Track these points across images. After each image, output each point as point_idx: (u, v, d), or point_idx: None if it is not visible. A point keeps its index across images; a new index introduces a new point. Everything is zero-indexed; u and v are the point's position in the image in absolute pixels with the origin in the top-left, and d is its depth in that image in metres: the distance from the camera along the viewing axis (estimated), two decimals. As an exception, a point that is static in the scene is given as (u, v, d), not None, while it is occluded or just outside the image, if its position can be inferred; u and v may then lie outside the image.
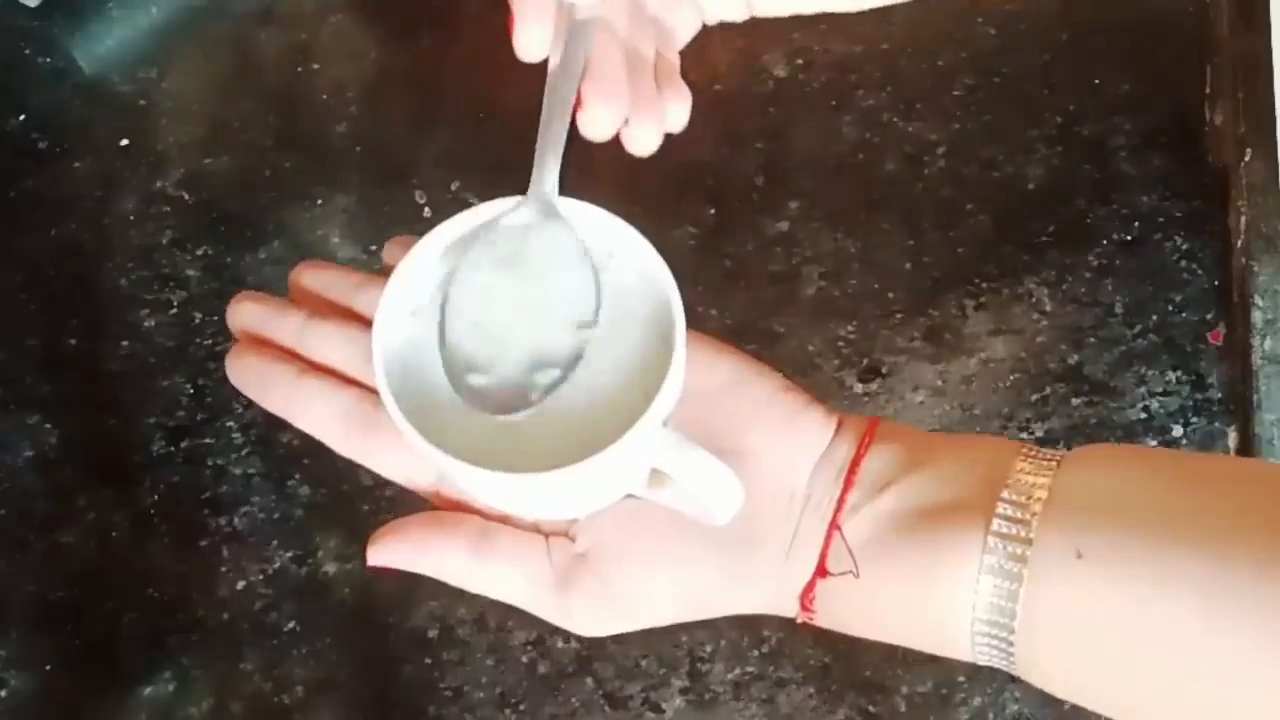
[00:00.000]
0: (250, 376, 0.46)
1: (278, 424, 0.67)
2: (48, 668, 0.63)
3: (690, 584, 0.43)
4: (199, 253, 0.70)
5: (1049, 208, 0.68)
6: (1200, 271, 0.66)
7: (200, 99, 0.74)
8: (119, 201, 0.72)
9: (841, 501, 0.42)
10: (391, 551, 0.44)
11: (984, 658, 0.40)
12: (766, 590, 0.43)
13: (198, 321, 0.69)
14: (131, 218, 0.71)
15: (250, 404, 0.67)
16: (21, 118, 0.74)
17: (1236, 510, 0.37)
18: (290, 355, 0.46)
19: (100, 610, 0.64)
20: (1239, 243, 0.66)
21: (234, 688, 0.62)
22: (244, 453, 0.66)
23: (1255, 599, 0.35)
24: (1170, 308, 0.65)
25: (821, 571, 0.42)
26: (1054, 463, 0.40)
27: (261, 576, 0.64)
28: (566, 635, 0.62)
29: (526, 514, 0.44)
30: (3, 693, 0.63)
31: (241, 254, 0.70)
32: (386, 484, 0.64)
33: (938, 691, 0.60)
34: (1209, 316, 0.65)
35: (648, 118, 0.44)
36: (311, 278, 0.48)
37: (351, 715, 0.62)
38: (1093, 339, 0.65)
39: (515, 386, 0.40)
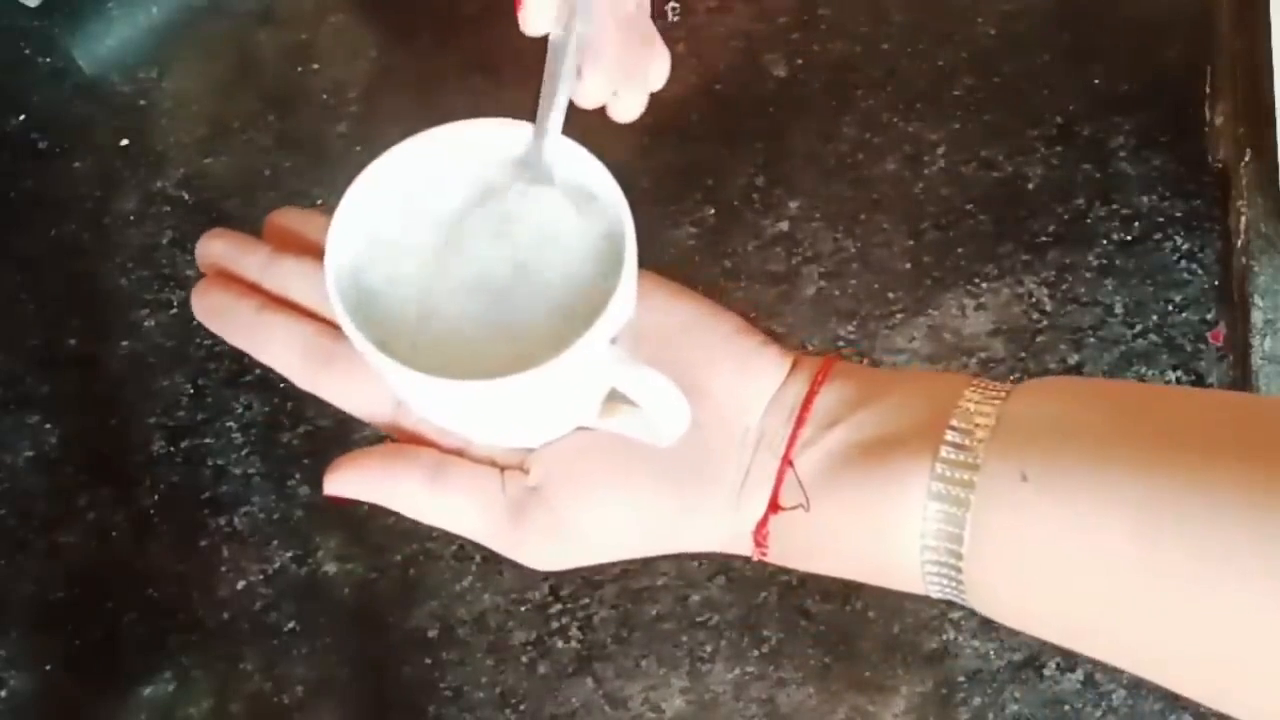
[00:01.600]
0: (213, 311, 0.46)
1: (278, 424, 0.67)
2: (48, 668, 0.63)
3: (642, 518, 0.43)
4: (199, 253, 0.70)
5: (1049, 208, 0.68)
6: (1200, 271, 0.66)
7: (200, 99, 0.74)
8: (119, 201, 0.72)
9: (793, 438, 0.42)
10: (348, 482, 0.45)
11: (934, 588, 0.40)
12: (720, 526, 0.43)
13: (198, 321, 0.69)
14: (131, 218, 0.71)
15: (250, 404, 0.67)
16: (21, 118, 0.74)
17: (1174, 431, 0.38)
18: (254, 291, 0.46)
19: (100, 610, 0.64)
20: (1239, 243, 0.66)
21: (234, 688, 0.62)
22: (244, 453, 0.66)
23: (1190, 516, 0.35)
24: (1170, 308, 0.65)
25: (774, 507, 0.42)
26: (1002, 393, 0.40)
27: (261, 576, 0.64)
28: (566, 635, 0.62)
29: (481, 437, 0.44)
30: (3, 693, 0.63)
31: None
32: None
33: (938, 691, 0.60)
34: (1209, 316, 0.65)
35: (635, 86, 0.44)
36: (284, 218, 0.48)
37: (351, 715, 0.62)
38: (1093, 339, 0.65)
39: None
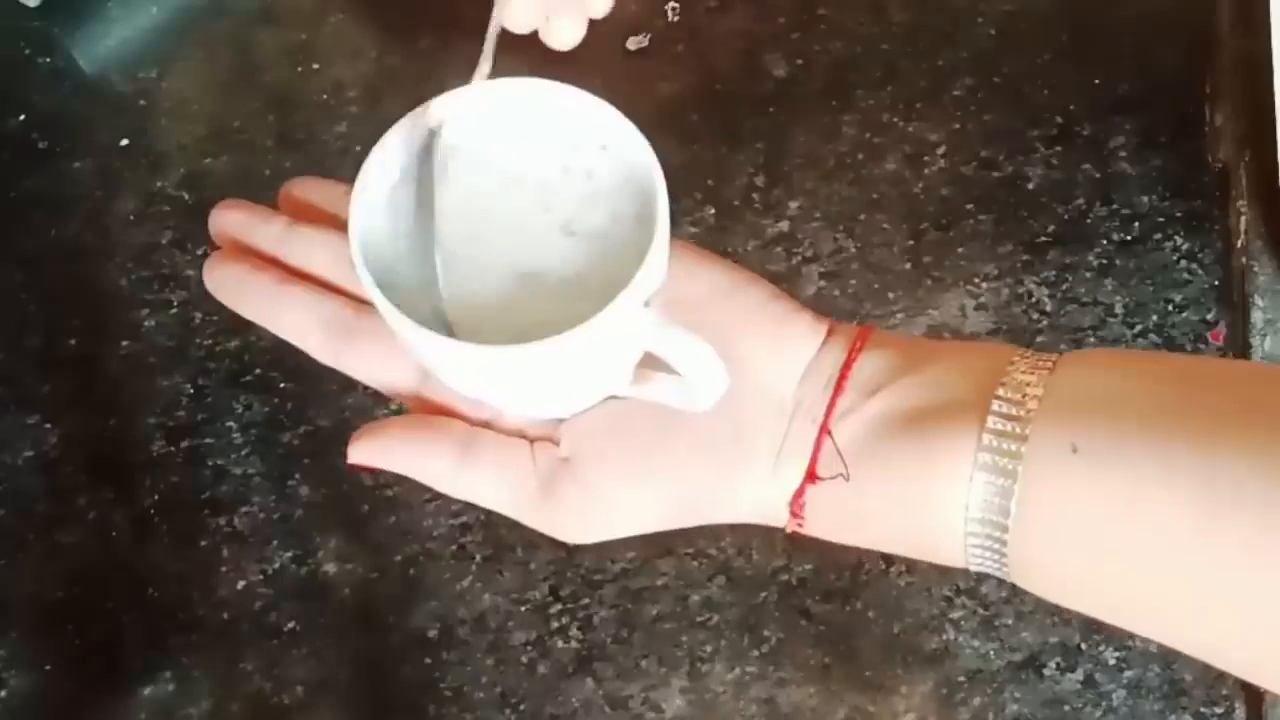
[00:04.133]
0: (228, 284, 0.45)
1: (278, 424, 0.67)
2: (48, 668, 0.63)
3: (676, 489, 0.43)
4: (199, 253, 0.70)
5: (1049, 208, 0.68)
6: (1200, 271, 0.66)
7: (200, 99, 0.74)
8: (119, 201, 0.72)
9: (832, 406, 0.41)
10: (374, 451, 0.43)
11: (976, 561, 0.39)
12: (755, 497, 0.42)
13: (198, 321, 0.69)
14: (131, 218, 0.71)
15: (250, 404, 0.67)
16: (21, 118, 0.74)
17: (1236, 407, 0.37)
18: (271, 263, 0.45)
19: (100, 610, 0.64)
20: (1239, 243, 0.66)
21: (234, 688, 0.62)
22: (244, 453, 0.66)
23: (1254, 493, 0.34)
24: (1170, 308, 0.65)
25: (811, 476, 0.41)
26: (1050, 364, 0.39)
27: (261, 576, 0.64)
28: (566, 635, 0.62)
29: (511, 407, 0.44)
30: (3, 693, 0.63)
31: (241, 254, 0.70)
32: (386, 484, 0.65)
33: (938, 691, 0.60)
34: (1209, 316, 0.65)
35: (570, 9, 0.43)
36: (301, 188, 0.48)
37: (351, 715, 0.62)
38: (1093, 339, 0.65)
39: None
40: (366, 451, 0.44)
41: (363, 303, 0.44)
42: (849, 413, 0.41)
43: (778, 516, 0.43)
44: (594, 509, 0.43)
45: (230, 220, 0.46)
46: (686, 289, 0.43)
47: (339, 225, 0.44)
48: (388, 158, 0.42)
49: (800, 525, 0.42)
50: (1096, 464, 0.37)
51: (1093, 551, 0.37)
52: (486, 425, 0.44)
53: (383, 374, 0.44)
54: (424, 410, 0.45)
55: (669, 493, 0.43)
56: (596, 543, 0.44)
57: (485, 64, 0.42)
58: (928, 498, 0.39)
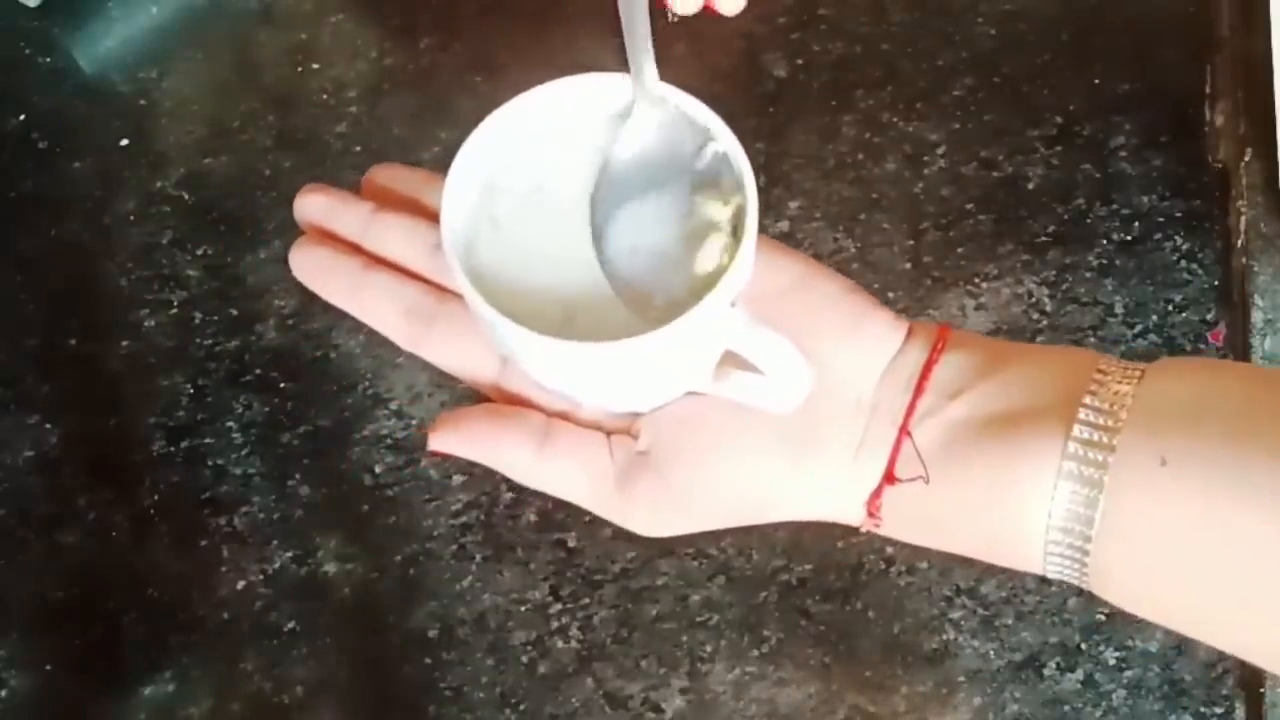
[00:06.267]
0: (313, 268, 0.45)
1: (278, 424, 0.67)
2: (48, 668, 0.63)
3: (752, 484, 0.42)
4: (199, 253, 0.70)
5: (1049, 208, 0.68)
6: (1200, 271, 0.66)
7: (200, 99, 0.74)
8: (119, 201, 0.72)
9: (912, 407, 0.41)
10: (453, 438, 0.44)
11: (1054, 569, 0.39)
12: (830, 494, 0.42)
13: (198, 321, 0.69)
14: (131, 218, 0.71)
15: (250, 404, 0.67)
16: (21, 118, 0.74)
17: None
18: (355, 249, 0.45)
19: (100, 610, 0.64)
20: (1239, 243, 0.66)
21: (234, 688, 0.62)
22: (244, 453, 0.66)
23: None
24: (1170, 308, 0.65)
25: (890, 478, 0.41)
26: (1139, 372, 0.39)
27: (261, 576, 0.64)
28: (566, 635, 0.62)
29: (592, 400, 0.43)
30: (3, 693, 0.63)
31: (241, 254, 0.70)
32: (387, 484, 0.65)
33: (938, 691, 0.60)
34: (1209, 316, 0.65)
35: None
36: (384, 175, 0.48)
37: (351, 715, 0.62)
38: (1093, 339, 0.65)
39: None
40: (446, 439, 0.44)
41: (444, 290, 0.44)
42: (929, 415, 0.41)
43: (853, 516, 0.42)
44: (669, 503, 0.43)
45: (314, 205, 0.46)
46: (764, 281, 0.42)
47: (420, 212, 0.44)
48: (479, 146, 0.42)
49: (877, 526, 0.42)
50: (1185, 477, 0.36)
51: (1176, 565, 0.37)
52: (564, 417, 0.44)
53: (462, 362, 0.44)
54: (502, 399, 0.45)
55: (744, 489, 0.43)
56: (667, 535, 0.44)
57: (647, 61, 0.42)
58: (1009, 504, 0.39)
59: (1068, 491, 0.38)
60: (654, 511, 0.43)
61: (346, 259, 0.45)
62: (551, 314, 0.40)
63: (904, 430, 0.41)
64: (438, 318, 0.44)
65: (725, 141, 0.41)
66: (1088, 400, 0.38)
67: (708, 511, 0.43)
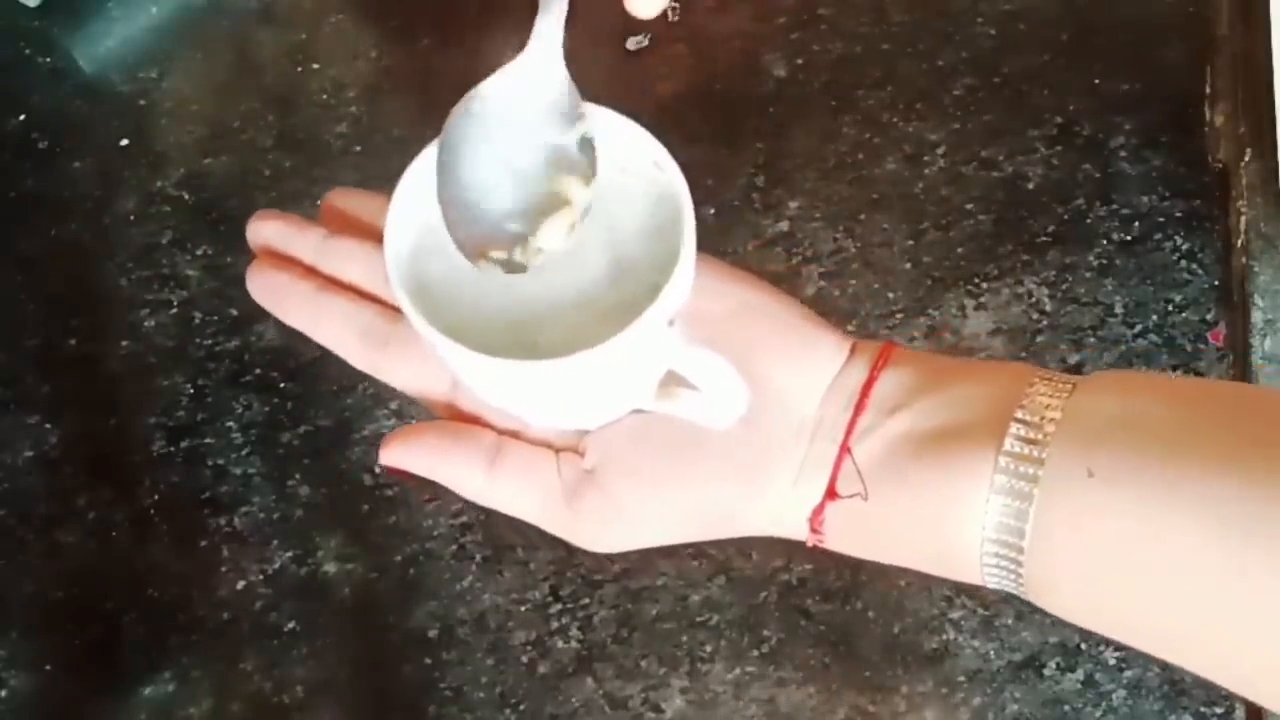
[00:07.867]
0: (270, 291, 0.46)
1: (278, 424, 0.67)
2: (48, 668, 0.63)
3: (697, 503, 0.43)
4: (199, 253, 0.70)
5: (1049, 208, 0.68)
6: (1200, 271, 0.66)
7: (200, 99, 0.74)
8: (119, 201, 0.72)
9: (852, 425, 0.42)
10: (407, 454, 0.44)
11: (992, 579, 0.40)
12: (775, 512, 0.43)
13: (198, 321, 0.69)
14: (131, 218, 0.71)
15: (250, 404, 0.67)
16: (21, 118, 0.74)
17: (1254, 431, 0.37)
18: (309, 272, 0.46)
19: (100, 610, 0.64)
20: (1239, 243, 0.66)
21: (234, 688, 0.62)
22: (244, 453, 0.66)
23: (1270, 518, 0.34)
24: (1170, 308, 0.65)
25: (831, 494, 0.42)
26: (1069, 386, 0.39)
27: (261, 576, 0.64)
28: (566, 635, 0.62)
29: (537, 418, 0.44)
30: (3, 693, 0.63)
31: (241, 254, 0.69)
32: (387, 484, 0.65)
33: (938, 691, 0.60)
34: (1209, 316, 0.65)
35: None
36: (340, 200, 0.48)
37: (351, 715, 0.62)
38: (1093, 339, 0.65)
39: (511, 234, 0.41)
40: (397, 455, 0.45)
41: (397, 311, 0.44)
42: (869, 431, 0.42)
43: (798, 532, 0.43)
44: (617, 519, 0.43)
45: (267, 230, 0.47)
46: (713, 305, 0.43)
47: (377, 236, 0.45)
48: (427, 168, 0.42)
49: (820, 541, 0.43)
50: (1112, 487, 0.37)
51: (1108, 574, 0.38)
52: (514, 434, 0.45)
53: (416, 382, 0.45)
54: (455, 417, 0.45)
55: (690, 506, 0.43)
56: (618, 551, 0.45)
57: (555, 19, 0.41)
58: (945, 517, 0.40)
59: (999, 504, 0.38)
60: (601, 528, 0.44)
61: (302, 282, 0.46)
62: (500, 332, 0.41)
63: (844, 447, 0.42)
64: (392, 339, 0.44)
65: (667, 168, 0.41)
66: (1019, 414, 0.39)
67: (656, 528, 0.44)
